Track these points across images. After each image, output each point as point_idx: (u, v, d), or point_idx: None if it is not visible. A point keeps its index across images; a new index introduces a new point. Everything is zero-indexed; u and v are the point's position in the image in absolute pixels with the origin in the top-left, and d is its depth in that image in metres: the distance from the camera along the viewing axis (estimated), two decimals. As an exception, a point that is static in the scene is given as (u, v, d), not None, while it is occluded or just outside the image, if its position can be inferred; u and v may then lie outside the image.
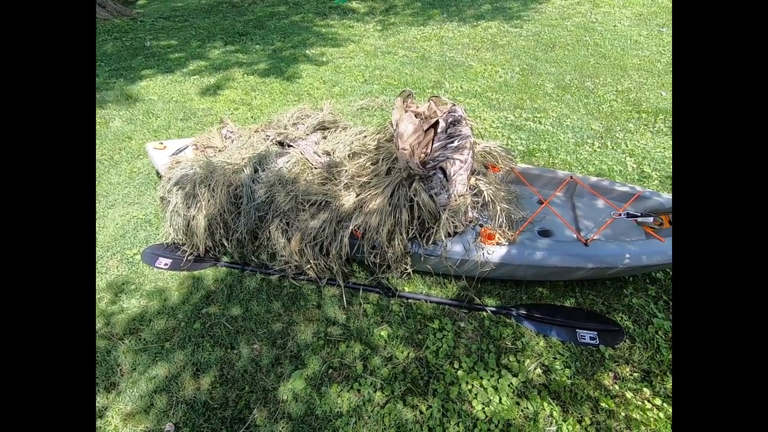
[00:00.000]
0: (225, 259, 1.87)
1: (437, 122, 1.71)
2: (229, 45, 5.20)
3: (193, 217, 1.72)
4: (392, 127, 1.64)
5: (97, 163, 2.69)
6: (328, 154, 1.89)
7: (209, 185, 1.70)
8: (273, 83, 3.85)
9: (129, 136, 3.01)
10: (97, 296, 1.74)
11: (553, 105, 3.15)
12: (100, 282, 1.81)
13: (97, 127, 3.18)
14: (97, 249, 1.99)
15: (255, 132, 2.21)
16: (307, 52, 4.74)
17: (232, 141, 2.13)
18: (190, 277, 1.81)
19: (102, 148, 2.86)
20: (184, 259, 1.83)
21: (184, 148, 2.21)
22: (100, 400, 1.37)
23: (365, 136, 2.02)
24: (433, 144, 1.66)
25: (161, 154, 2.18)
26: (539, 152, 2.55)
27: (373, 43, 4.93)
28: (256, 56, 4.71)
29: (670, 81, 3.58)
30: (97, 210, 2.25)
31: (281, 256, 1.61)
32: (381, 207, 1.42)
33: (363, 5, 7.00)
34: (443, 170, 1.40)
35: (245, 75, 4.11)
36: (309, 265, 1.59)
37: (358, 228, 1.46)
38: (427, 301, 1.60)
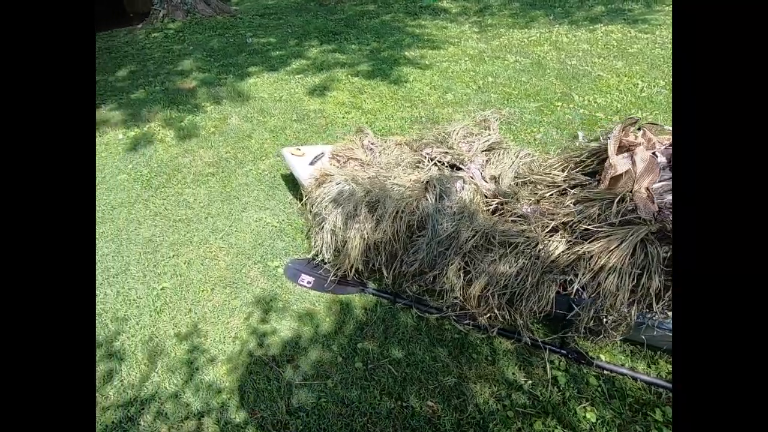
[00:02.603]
0: (372, 285, 1.72)
1: (654, 155, 1.39)
2: (325, 44, 5.20)
3: (351, 237, 1.58)
4: (611, 160, 1.36)
5: (223, 162, 2.72)
6: (495, 179, 1.65)
7: (374, 207, 1.55)
8: (380, 86, 3.71)
9: (249, 135, 3.03)
10: (246, 310, 1.68)
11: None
12: (247, 294, 1.74)
13: (217, 123, 3.26)
14: (238, 256, 1.95)
15: (398, 145, 2.04)
16: (407, 53, 4.56)
17: (377, 153, 1.98)
18: (337, 302, 1.68)
19: (226, 146, 2.90)
20: (328, 280, 1.71)
21: (320, 156, 2.11)
22: (269, 439, 1.27)
23: (532, 160, 1.76)
24: (647, 182, 1.35)
25: (300, 161, 2.10)
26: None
27: (474, 46, 4.62)
28: (355, 56, 4.63)
29: None
30: (231, 212, 2.24)
31: (454, 297, 1.41)
32: (620, 265, 1.15)
33: (455, 5, 6.69)
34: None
35: (349, 76, 4.03)
36: (489, 314, 1.37)
37: (585, 287, 1.21)
38: (635, 379, 1.30)
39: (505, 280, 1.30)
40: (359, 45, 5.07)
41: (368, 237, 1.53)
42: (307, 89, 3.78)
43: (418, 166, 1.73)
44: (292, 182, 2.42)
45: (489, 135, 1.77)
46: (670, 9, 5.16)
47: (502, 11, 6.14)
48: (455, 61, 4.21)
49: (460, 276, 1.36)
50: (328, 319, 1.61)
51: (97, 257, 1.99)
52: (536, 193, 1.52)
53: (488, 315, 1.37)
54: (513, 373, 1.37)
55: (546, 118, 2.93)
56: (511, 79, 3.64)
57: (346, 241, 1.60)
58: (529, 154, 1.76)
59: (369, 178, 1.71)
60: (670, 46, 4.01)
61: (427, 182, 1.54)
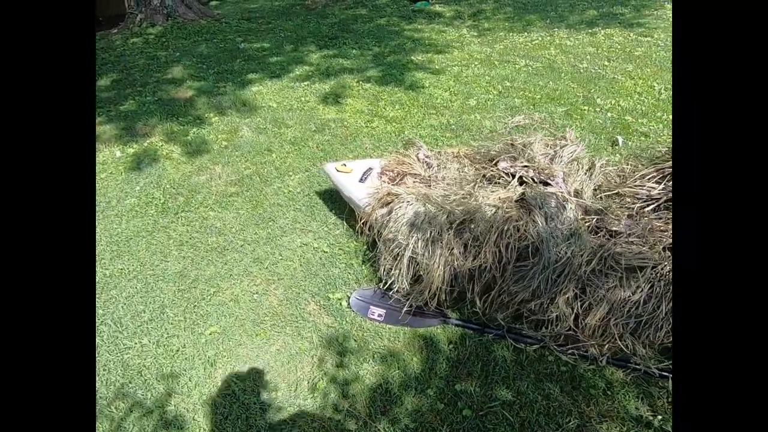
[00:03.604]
0: (453, 315, 1.56)
1: None
2: (324, 49, 4.99)
3: (434, 264, 1.42)
4: None
5: (246, 180, 2.47)
6: (577, 194, 1.55)
7: (460, 229, 1.40)
8: (396, 93, 3.57)
9: (267, 149, 2.79)
10: (316, 354, 1.47)
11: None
12: (312, 334, 1.54)
13: (227, 135, 2.99)
14: (290, 288, 1.73)
15: (455, 157, 1.90)
16: (413, 58, 4.45)
17: (436, 168, 1.83)
18: (418, 337, 1.51)
19: (244, 162, 2.65)
20: (403, 312, 1.54)
21: (369, 172, 1.94)
22: None
23: (608, 169, 1.67)
24: None
25: (349, 179, 1.91)
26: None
27: (479, 50, 4.59)
28: (359, 62, 4.47)
29: None
30: (270, 238, 2.01)
31: (565, 327, 1.28)
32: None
33: (447, 9, 6.68)
34: None
35: (360, 82, 3.85)
36: (607, 345, 1.25)
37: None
38: None
39: (629, 308, 1.19)
40: (361, 50, 4.90)
41: (458, 264, 1.38)
42: (319, 97, 3.58)
43: (496, 182, 1.59)
44: (330, 200, 2.23)
45: (572, 146, 1.67)
46: (659, 13, 5.37)
47: (497, 15, 6.18)
48: (466, 66, 4.14)
49: (575, 305, 1.24)
50: (415, 358, 1.44)
51: (123, 298, 1.71)
52: (630, 208, 1.43)
53: (606, 345, 1.25)
54: (637, 408, 1.26)
55: (577, 122, 2.89)
56: (528, 83, 3.60)
57: (427, 269, 1.44)
58: (604, 164, 1.67)
59: (443, 196, 1.56)
60: (673, 48, 4.14)
61: (522, 201, 1.41)
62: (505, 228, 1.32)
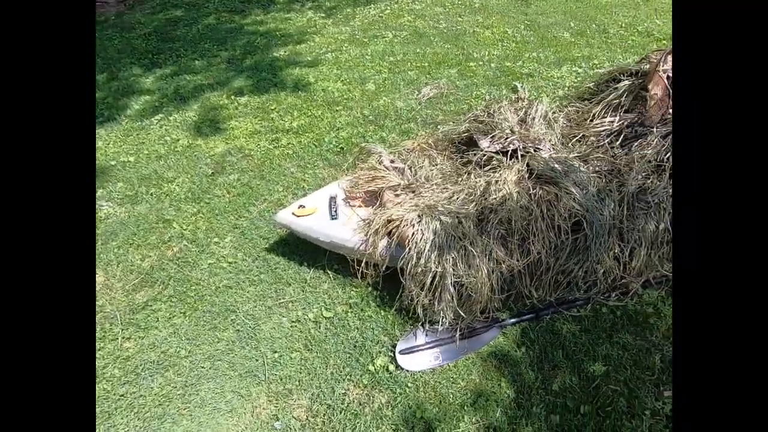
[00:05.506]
0: (504, 315, 1.44)
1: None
2: (155, 68, 3.93)
3: (480, 277, 1.25)
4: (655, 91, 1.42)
5: (158, 273, 1.74)
6: (554, 148, 1.57)
7: (492, 229, 1.23)
8: (285, 98, 3.06)
9: (162, 220, 2.03)
10: (401, 448, 1.16)
11: (594, 52, 3.28)
12: (383, 429, 1.20)
13: (96, 223, 2.06)
14: (314, 385, 1.31)
15: (420, 151, 1.71)
16: (276, 55, 3.90)
17: (409, 171, 1.60)
18: (487, 359, 1.34)
19: (138, 251, 1.86)
20: (457, 339, 1.35)
21: (334, 203, 1.59)
22: None
23: (556, 116, 1.74)
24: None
25: (319, 221, 1.53)
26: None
27: (340, 31, 4.33)
28: (213, 73, 3.68)
29: (656, 7, 4.03)
30: (245, 335, 1.46)
31: (612, 279, 1.30)
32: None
33: (278, -7, 6.08)
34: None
35: (231, 97, 3.17)
36: (653, 275, 1.32)
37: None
38: None
39: (660, 238, 1.27)
40: (205, 59, 4.04)
41: (506, 266, 1.23)
42: (188, 130, 2.80)
43: (490, 166, 1.46)
44: (290, 250, 1.76)
45: (536, 104, 1.65)
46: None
47: (332, -8, 5.94)
48: (337, 50, 3.85)
49: (620, 256, 1.25)
50: (501, 383, 1.27)
51: None
52: (600, 146, 1.52)
53: (652, 276, 1.33)
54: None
55: (474, 80, 3.02)
56: (408, 53, 3.58)
57: (474, 287, 1.25)
58: (548, 111, 1.73)
59: (447, 200, 1.36)
60: (499, -5, 4.69)
61: (534, 176, 1.31)
62: (545, 210, 1.24)
